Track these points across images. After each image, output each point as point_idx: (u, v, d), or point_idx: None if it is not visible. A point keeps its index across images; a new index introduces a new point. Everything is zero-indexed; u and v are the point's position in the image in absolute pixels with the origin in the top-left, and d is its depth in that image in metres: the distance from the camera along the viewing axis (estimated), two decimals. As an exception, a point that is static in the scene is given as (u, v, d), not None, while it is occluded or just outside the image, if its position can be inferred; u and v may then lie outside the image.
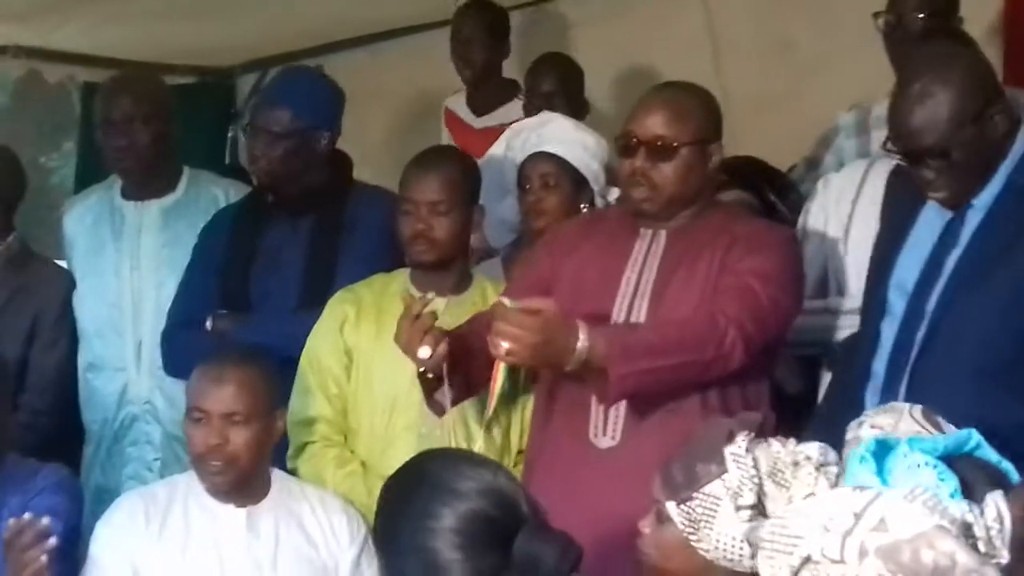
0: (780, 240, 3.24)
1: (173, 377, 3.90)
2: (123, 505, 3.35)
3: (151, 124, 4.03)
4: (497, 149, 4.21)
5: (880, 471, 1.96)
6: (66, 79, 5.93)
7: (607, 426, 3.15)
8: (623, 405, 3.11)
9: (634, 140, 3.16)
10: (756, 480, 2.13)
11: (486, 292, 3.56)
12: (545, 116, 4.20)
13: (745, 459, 2.16)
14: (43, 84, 5.93)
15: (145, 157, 4.05)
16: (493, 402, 3.01)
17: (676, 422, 3.02)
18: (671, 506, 2.31)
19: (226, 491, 3.28)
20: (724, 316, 3.03)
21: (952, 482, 1.98)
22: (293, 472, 3.50)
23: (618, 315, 3.17)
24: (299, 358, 3.57)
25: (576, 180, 3.88)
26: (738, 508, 2.13)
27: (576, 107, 4.69)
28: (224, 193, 4.15)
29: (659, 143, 3.14)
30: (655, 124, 3.14)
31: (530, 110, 4.69)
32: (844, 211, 3.66)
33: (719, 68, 4.97)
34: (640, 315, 3.16)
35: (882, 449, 1.95)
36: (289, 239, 3.83)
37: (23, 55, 5.55)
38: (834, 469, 2.20)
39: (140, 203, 4.14)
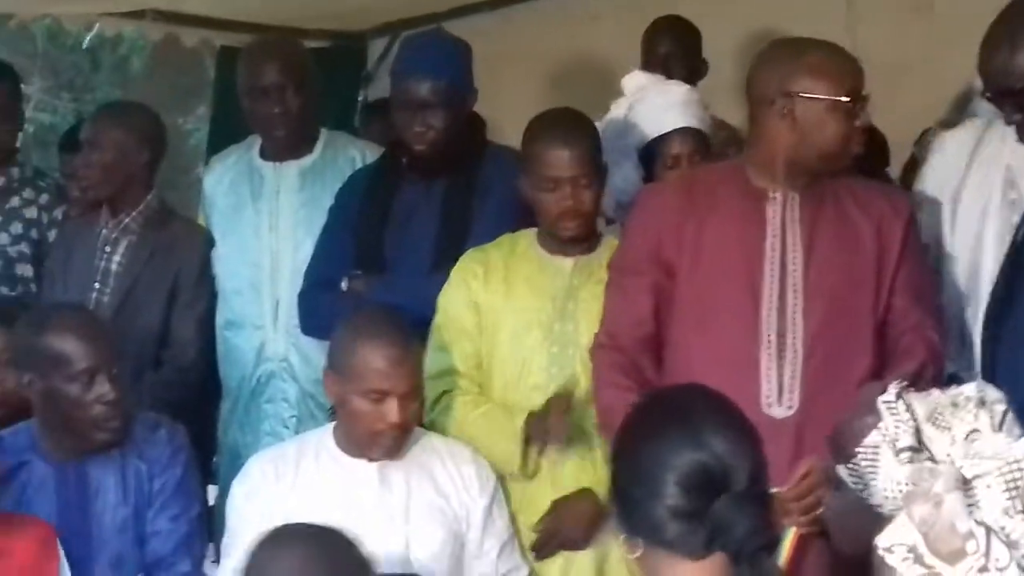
0: (909, 212, 3.28)
1: (309, 336, 3.96)
2: (253, 469, 3.38)
3: (302, 91, 4.06)
4: (618, 112, 4.18)
5: None
6: (201, 43, 6.01)
7: (783, 395, 3.09)
8: (799, 370, 3.09)
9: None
10: (912, 423, 2.20)
11: (614, 250, 3.52)
12: (665, 84, 4.18)
13: (897, 405, 2.22)
14: (179, 48, 6.00)
15: (295, 123, 4.09)
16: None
17: (855, 387, 2.89)
18: (840, 468, 2.33)
19: (389, 456, 3.30)
20: (928, 340, 3.15)
21: None
22: (430, 425, 3.51)
23: (770, 284, 3.14)
24: (431, 319, 3.59)
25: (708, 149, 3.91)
26: (897, 452, 2.19)
27: (692, 69, 4.66)
28: (361, 154, 4.16)
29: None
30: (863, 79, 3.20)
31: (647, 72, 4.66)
32: (957, 174, 3.55)
33: (854, 32, 4.90)
34: (796, 283, 3.14)
35: None
36: (423, 201, 3.83)
37: (161, 20, 5.65)
38: (1000, 407, 2.23)
39: (279, 164, 4.18)
